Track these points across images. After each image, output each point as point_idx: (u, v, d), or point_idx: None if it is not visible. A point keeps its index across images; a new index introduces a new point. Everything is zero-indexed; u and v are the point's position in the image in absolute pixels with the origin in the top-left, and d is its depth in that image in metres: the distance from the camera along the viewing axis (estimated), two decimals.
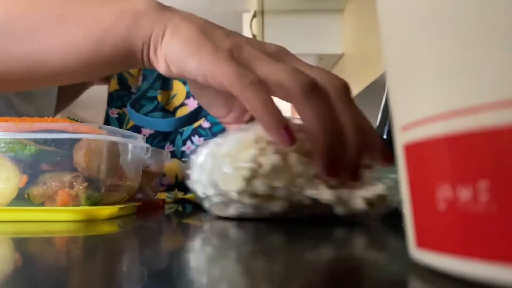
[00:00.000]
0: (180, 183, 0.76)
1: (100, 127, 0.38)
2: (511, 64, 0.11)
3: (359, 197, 0.32)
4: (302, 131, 0.33)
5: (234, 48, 0.34)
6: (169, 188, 0.75)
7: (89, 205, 0.36)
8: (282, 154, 0.32)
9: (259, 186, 0.31)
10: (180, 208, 0.54)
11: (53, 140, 0.36)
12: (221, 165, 0.33)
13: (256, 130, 0.34)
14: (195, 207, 0.57)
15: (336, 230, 0.28)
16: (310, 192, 0.32)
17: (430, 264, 0.14)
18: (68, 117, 0.42)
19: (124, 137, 0.40)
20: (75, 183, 0.36)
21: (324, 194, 0.32)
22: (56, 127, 0.36)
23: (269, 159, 0.31)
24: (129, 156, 0.43)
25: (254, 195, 0.32)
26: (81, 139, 0.36)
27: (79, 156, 0.36)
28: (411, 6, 0.14)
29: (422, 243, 0.14)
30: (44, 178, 0.36)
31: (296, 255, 0.18)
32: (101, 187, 0.37)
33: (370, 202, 0.32)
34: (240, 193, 0.32)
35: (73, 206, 0.35)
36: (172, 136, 0.81)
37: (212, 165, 0.34)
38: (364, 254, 0.19)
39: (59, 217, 0.34)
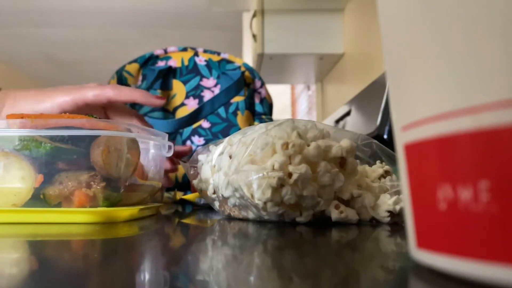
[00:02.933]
0: (180, 183, 0.76)
1: (118, 123, 0.36)
2: (511, 64, 0.11)
3: (383, 212, 0.32)
4: (326, 136, 0.33)
5: None
6: (168, 188, 0.75)
7: (107, 206, 0.34)
8: (309, 162, 0.31)
9: (287, 195, 0.30)
10: (180, 208, 0.54)
11: (70, 137, 0.34)
12: (245, 171, 0.32)
13: (277, 132, 0.33)
14: (195, 207, 0.57)
15: (337, 230, 0.28)
16: (336, 216, 0.31)
17: (431, 264, 0.14)
18: (86, 114, 0.40)
19: (144, 133, 0.38)
20: (92, 183, 0.34)
21: (351, 215, 0.32)
22: (73, 124, 0.34)
23: (298, 168, 0.30)
24: (150, 154, 0.41)
25: (279, 203, 0.31)
26: (99, 136, 0.34)
27: (97, 154, 0.34)
28: (411, 6, 0.14)
29: (423, 243, 0.14)
30: (60, 177, 0.34)
31: (299, 260, 0.18)
32: (120, 187, 0.35)
33: (392, 213, 0.32)
34: (266, 201, 0.31)
35: (90, 207, 0.33)
36: (172, 136, 0.81)
37: (234, 169, 0.33)
38: (365, 253, 0.19)
39: (76, 219, 0.32)
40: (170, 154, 0.43)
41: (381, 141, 0.79)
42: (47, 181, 0.33)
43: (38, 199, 0.33)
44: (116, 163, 0.34)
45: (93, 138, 0.34)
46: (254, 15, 1.92)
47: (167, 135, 0.43)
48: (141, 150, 0.38)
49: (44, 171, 0.33)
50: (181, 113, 0.82)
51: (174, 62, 0.85)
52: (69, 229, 0.29)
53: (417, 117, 0.14)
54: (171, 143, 0.43)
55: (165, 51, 0.86)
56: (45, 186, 0.33)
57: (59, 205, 0.34)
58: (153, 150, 0.41)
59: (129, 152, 0.36)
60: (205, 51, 0.86)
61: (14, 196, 0.33)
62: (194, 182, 0.41)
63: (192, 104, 0.82)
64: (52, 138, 0.34)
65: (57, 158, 0.34)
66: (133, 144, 0.37)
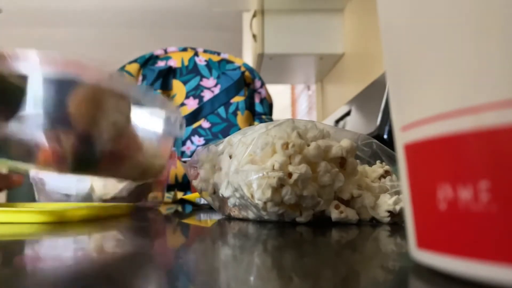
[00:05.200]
0: (180, 183, 0.76)
1: (112, 76, 0.29)
2: (511, 64, 0.11)
3: (383, 212, 0.32)
4: (326, 136, 0.33)
5: None
6: (168, 188, 0.75)
7: (78, 170, 0.28)
8: (309, 162, 0.31)
9: (287, 195, 0.30)
10: (180, 208, 0.54)
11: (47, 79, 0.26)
12: (245, 171, 0.32)
13: (277, 132, 0.33)
14: (195, 207, 0.57)
15: (337, 230, 0.28)
16: (336, 216, 0.31)
17: (431, 264, 0.14)
18: None
19: (144, 94, 0.31)
20: (64, 139, 0.27)
21: (351, 215, 0.32)
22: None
23: (298, 168, 0.30)
24: (147, 122, 0.33)
25: (279, 203, 0.31)
26: (81, 84, 0.28)
27: (76, 104, 0.27)
28: (411, 5, 0.14)
29: (423, 243, 0.14)
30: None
31: (299, 260, 0.18)
32: (98, 151, 0.29)
33: (392, 213, 0.32)
34: (266, 201, 0.31)
35: (57, 167, 0.27)
36: None
37: (234, 169, 0.33)
38: (365, 253, 0.19)
39: (22, 219, 0.28)
40: (182, 134, 0.36)
41: (381, 141, 0.79)
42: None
43: None
44: (98, 119, 0.28)
45: (74, 84, 0.28)
46: (254, 15, 1.92)
47: (178, 109, 0.36)
48: (133, 113, 0.31)
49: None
50: (181, 113, 0.82)
51: (174, 62, 0.85)
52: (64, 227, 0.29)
53: (417, 117, 0.14)
54: (182, 119, 0.36)
55: (165, 51, 0.86)
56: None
57: (24, 159, 0.27)
58: (153, 119, 0.33)
59: (117, 109, 0.30)
60: (205, 51, 0.86)
61: None
62: (194, 182, 0.41)
63: (192, 104, 0.82)
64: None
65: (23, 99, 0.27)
66: (123, 102, 0.30)
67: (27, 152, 0.27)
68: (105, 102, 0.28)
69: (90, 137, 0.28)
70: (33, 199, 0.66)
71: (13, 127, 0.27)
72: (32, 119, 0.27)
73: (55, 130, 0.27)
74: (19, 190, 1.87)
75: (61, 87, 0.27)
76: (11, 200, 2.06)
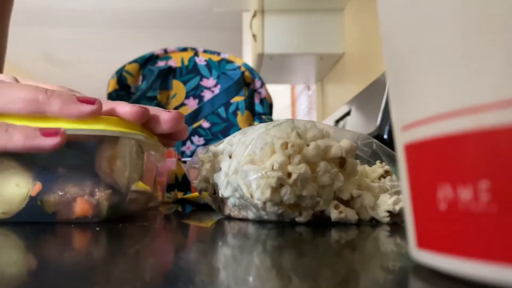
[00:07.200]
0: (180, 183, 0.76)
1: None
2: (511, 64, 0.11)
3: (382, 212, 0.32)
4: (326, 136, 0.33)
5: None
6: (168, 188, 0.75)
7: (111, 215, 0.32)
8: (308, 162, 0.31)
9: (286, 195, 0.30)
10: (179, 208, 0.54)
11: (73, 141, 0.30)
12: (245, 171, 0.32)
13: (276, 132, 0.33)
14: (195, 207, 0.57)
15: (336, 230, 0.28)
16: (335, 216, 0.31)
17: (431, 264, 0.14)
18: None
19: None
20: (96, 190, 0.31)
21: (350, 215, 0.32)
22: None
23: (298, 168, 0.30)
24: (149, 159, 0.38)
25: (278, 203, 0.31)
26: (105, 140, 0.31)
27: (104, 160, 0.31)
28: (411, 5, 0.14)
29: (423, 243, 0.14)
30: (60, 185, 0.31)
31: (298, 260, 0.18)
32: (126, 194, 0.33)
33: (392, 214, 0.32)
34: (265, 201, 0.31)
35: (92, 216, 0.31)
36: None
37: (234, 169, 0.33)
38: (365, 253, 0.19)
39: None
40: (163, 163, 0.41)
41: (381, 141, 0.79)
42: (46, 189, 0.31)
43: (35, 207, 0.31)
44: (124, 170, 0.32)
45: (97, 142, 0.31)
46: (254, 15, 1.92)
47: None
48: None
49: (42, 177, 0.31)
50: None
51: (174, 62, 0.85)
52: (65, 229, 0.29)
53: (417, 117, 0.14)
54: (165, 150, 0.41)
55: (165, 51, 0.86)
56: (43, 192, 0.31)
57: (55, 213, 0.31)
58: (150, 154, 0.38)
59: (137, 157, 0.34)
60: (205, 51, 0.86)
61: (4, 205, 0.31)
62: (194, 182, 0.41)
63: (192, 104, 0.82)
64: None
65: (59, 163, 0.31)
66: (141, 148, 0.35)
67: (65, 206, 0.31)
68: (128, 153, 0.33)
69: (118, 185, 0.32)
70: None
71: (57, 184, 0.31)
72: (70, 175, 0.31)
73: (89, 184, 0.31)
74: None
75: (90, 145, 0.31)
76: None
